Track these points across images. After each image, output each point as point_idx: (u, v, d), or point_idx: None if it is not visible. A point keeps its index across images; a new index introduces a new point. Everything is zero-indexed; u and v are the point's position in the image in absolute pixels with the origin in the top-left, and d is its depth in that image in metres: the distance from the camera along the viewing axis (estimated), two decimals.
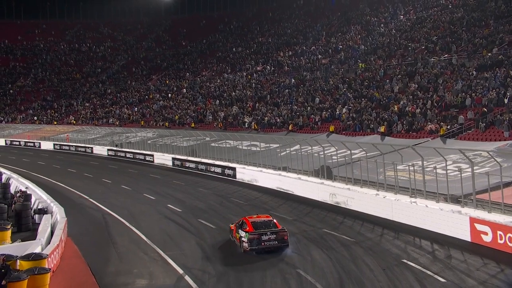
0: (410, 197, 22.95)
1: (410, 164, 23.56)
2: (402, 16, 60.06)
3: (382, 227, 21.87)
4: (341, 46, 60.89)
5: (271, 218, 19.39)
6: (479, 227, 18.74)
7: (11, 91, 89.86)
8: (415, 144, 30.13)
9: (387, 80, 45.53)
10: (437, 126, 34.48)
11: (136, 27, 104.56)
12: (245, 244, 18.32)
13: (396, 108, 39.25)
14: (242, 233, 18.66)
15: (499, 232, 17.98)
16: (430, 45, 48.26)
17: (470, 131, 33.02)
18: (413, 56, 48.20)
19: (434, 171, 22.43)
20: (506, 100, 33.54)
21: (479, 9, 49.93)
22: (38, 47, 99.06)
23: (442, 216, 20.36)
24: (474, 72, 39.12)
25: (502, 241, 17.85)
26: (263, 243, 18.16)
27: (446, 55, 44.67)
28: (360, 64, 52.73)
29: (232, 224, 20.60)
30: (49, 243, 17.98)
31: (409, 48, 50.26)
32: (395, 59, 49.69)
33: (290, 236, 19.40)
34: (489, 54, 40.35)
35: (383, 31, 58.85)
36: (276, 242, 18.29)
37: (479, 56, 41.40)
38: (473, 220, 19.04)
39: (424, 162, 23.16)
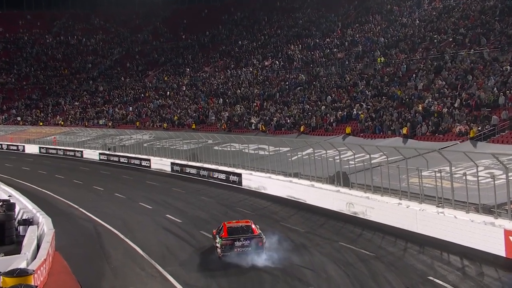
0: (437, 206, 22.87)
1: (437, 170, 23.48)
2: (427, 5, 59.94)
3: (406, 240, 21.82)
4: (358, 39, 60.87)
5: (249, 224, 20.36)
6: None
7: None
8: (442, 148, 30.06)
9: (413, 75, 45.37)
10: (466, 128, 34.36)
11: (131, 18, 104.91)
12: (219, 250, 19.44)
13: (420, 108, 39.15)
14: (218, 239, 19.78)
15: None
16: (458, 37, 48.11)
17: (504, 133, 32.88)
18: (439, 50, 48.09)
19: (464, 177, 22.36)
20: None
21: None
22: (22, 40, 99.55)
23: (473, 228, 20.28)
24: (509, 67, 38.96)
25: None
26: (236, 249, 19.24)
27: (476, 48, 44.54)
28: (378, 58, 52.66)
29: (215, 229, 21.24)
30: (35, 258, 18.02)
31: (435, 41, 50.12)
32: (419, 53, 49.59)
33: (305, 249, 19.36)
34: None
35: (405, 21, 58.75)
36: (250, 248, 19.20)
37: None
38: (508, 233, 18.94)
39: (453, 168, 23.08)
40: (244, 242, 19.18)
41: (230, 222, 20.78)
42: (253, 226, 20.18)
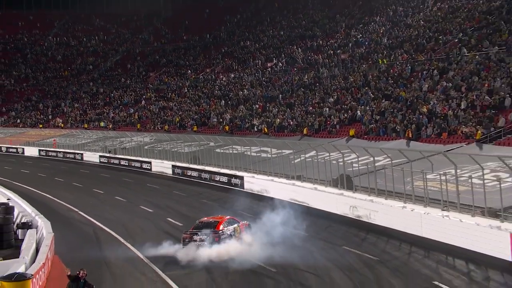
0: (442, 210, 22.86)
1: (442, 172, 23.47)
2: (431, 6, 59.87)
3: (410, 244, 21.86)
4: (362, 40, 60.86)
5: (219, 220, 21.88)
6: None
7: None
8: (447, 150, 30.05)
9: (418, 77, 45.15)
10: (472, 130, 34.27)
11: (131, 19, 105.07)
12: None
13: (425, 109, 39.08)
14: None
15: None
16: (464, 38, 48.06)
17: (510, 135, 32.79)
18: (444, 51, 48.04)
19: (469, 180, 22.33)
20: None
21: None
22: (21, 41, 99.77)
23: (479, 232, 20.26)
24: None
25: None
26: (193, 242, 20.70)
27: (482, 49, 44.45)
28: (380, 60, 52.63)
29: None
30: (34, 262, 18.04)
31: (440, 42, 50.11)
32: (424, 54, 49.53)
33: (309, 253, 19.41)
34: None
35: (410, 22, 58.71)
36: (205, 242, 20.65)
37: None
38: None
39: (458, 171, 23.06)
40: (201, 237, 20.66)
41: (208, 218, 22.62)
42: (225, 221, 21.76)
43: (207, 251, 20.10)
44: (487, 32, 46.66)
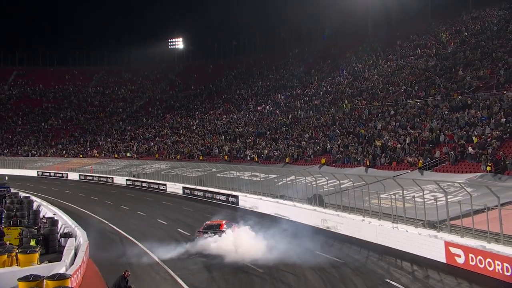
0: (392, 222, 22.84)
1: (392, 193, 23.54)
2: (383, 64, 60.71)
3: (368, 249, 21.74)
4: (331, 89, 61.43)
5: (220, 222, 23.79)
6: (453, 250, 18.60)
7: (46, 127, 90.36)
8: (396, 176, 30.15)
9: (374, 118, 45.52)
10: (415, 160, 34.46)
11: (152, 73, 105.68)
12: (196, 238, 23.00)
13: (379, 143, 39.31)
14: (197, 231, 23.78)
15: (470, 255, 17.84)
16: (408, 88, 48.66)
17: (444, 164, 32.99)
18: (393, 98, 48.55)
19: (413, 199, 22.41)
20: (473, 138, 33.53)
21: (450, 58, 50.56)
22: (67, 90, 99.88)
23: (420, 240, 20.25)
24: (446, 112, 39.33)
25: (473, 263, 17.69)
26: (205, 238, 22.49)
27: (422, 97, 45.00)
28: (344, 105, 53.08)
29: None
30: (73, 264, 17.82)
31: (390, 91, 50.66)
32: (378, 101, 50.02)
33: (287, 256, 19.33)
34: (459, 97, 40.65)
35: (367, 76, 59.43)
36: (213, 235, 22.58)
37: (451, 98, 41.69)
38: (447, 244, 18.90)
39: (404, 192, 23.12)
40: (210, 234, 22.55)
41: (211, 221, 24.58)
42: (224, 224, 23.43)
43: (211, 246, 21.40)
44: (425, 85, 47.33)
